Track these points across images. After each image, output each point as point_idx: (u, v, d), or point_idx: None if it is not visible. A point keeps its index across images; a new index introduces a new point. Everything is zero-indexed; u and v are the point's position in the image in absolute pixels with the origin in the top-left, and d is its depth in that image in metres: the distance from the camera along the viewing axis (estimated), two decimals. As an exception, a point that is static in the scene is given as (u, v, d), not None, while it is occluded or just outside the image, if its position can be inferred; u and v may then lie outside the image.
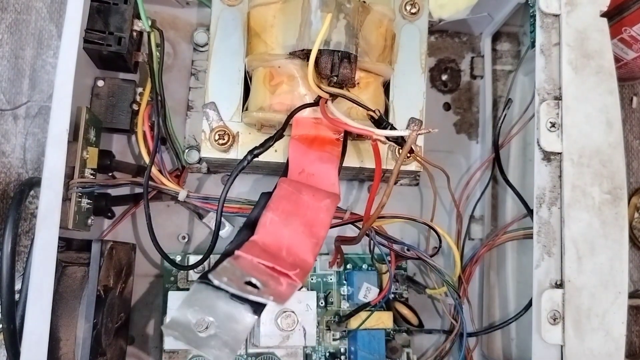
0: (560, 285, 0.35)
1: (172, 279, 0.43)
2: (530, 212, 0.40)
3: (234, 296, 0.26)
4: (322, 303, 0.44)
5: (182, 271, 0.43)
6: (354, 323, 0.43)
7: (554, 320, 0.35)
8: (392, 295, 0.46)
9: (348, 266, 0.46)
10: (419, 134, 0.32)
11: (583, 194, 0.36)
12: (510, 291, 0.45)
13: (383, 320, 0.43)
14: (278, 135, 0.35)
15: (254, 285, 0.27)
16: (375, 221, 0.37)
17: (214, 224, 0.43)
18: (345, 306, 0.45)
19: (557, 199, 0.36)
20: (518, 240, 0.43)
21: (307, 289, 0.44)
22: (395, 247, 0.41)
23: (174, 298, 0.38)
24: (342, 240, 0.40)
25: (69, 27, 0.36)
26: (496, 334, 0.46)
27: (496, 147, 0.44)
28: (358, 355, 0.43)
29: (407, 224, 0.47)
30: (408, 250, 0.41)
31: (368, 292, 0.44)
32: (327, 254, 0.45)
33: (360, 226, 0.38)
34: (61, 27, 0.36)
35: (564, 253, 0.35)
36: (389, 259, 0.42)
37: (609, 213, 0.36)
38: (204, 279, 0.27)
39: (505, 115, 0.44)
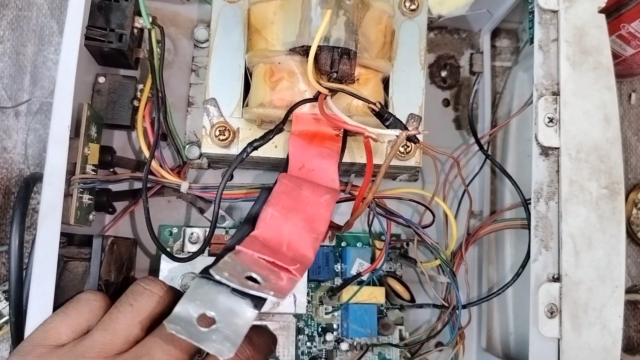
0: (557, 279, 0.35)
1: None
2: (525, 202, 0.40)
3: (234, 291, 0.27)
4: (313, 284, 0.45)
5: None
6: (345, 296, 0.43)
7: (551, 313, 0.35)
8: (385, 272, 0.46)
9: (342, 244, 0.46)
10: (409, 134, 0.33)
11: (581, 189, 0.36)
12: (507, 270, 0.46)
13: (375, 295, 0.44)
14: (278, 129, 0.35)
15: (255, 280, 0.27)
16: (377, 193, 0.37)
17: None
18: (338, 282, 0.45)
19: (555, 193, 0.36)
20: (516, 229, 0.43)
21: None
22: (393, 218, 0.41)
23: (167, 263, 0.39)
24: (332, 226, 0.40)
25: (70, 25, 0.36)
26: (494, 327, 0.46)
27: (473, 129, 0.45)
28: (350, 329, 0.43)
29: (407, 205, 0.48)
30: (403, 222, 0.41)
31: (361, 267, 0.44)
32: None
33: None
34: (62, 23, 0.36)
35: (562, 247, 0.36)
36: (386, 230, 0.41)
37: (606, 208, 0.36)
38: (205, 273, 0.27)
39: (477, 90, 0.46)
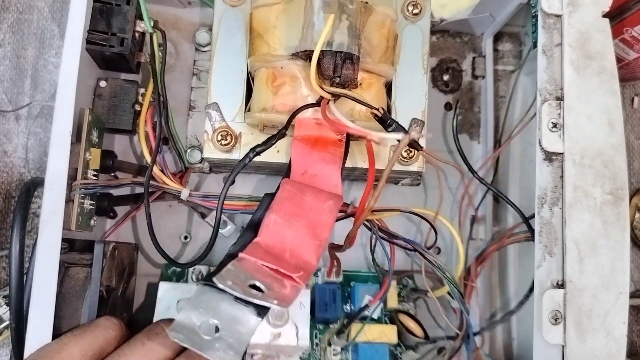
0: (561, 285, 0.35)
1: (173, 279, 0.43)
2: (525, 219, 0.40)
3: (238, 298, 0.27)
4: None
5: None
6: (354, 333, 0.41)
7: (555, 320, 0.35)
8: (394, 310, 0.44)
9: (351, 283, 0.44)
10: (412, 139, 0.32)
11: (585, 195, 0.36)
12: (511, 293, 0.46)
13: (387, 333, 0.41)
14: (280, 134, 0.35)
15: (258, 289, 0.27)
16: (375, 215, 0.37)
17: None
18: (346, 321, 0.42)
19: (559, 199, 0.36)
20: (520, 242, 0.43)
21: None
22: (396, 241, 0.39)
23: (164, 289, 0.36)
24: (333, 247, 0.39)
25: (71, 29, 0.36)
26: (497, 333, 0.46)
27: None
28: None
29: (409, 221, 0.47)
30: (408, 244, 0.39)
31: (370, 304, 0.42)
32: (320, 269, 0.45)
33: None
34: (63, 26, 0.36)
35: (566, 253, 0.35)
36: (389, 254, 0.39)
37: (610, 213, 0.36)
38: (208, 281, 0.27)
39: (458, 115, 0.44)
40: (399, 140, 0.32)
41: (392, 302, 0.44)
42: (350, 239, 0.36)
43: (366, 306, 0.41)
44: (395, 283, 0.44)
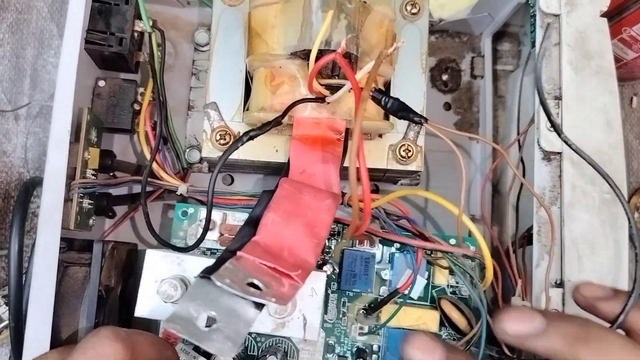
0: (560, 284, 0.35)
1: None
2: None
3: (236, 293, 0.26)
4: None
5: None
6: (385, 317, 0.35)
7: (554, 319, 0.35)
8: (444, 291, 0.38)
9: (392, 248, 0.38)
10: (387, 55, 0.31)
11: (583, 194, 0.36)
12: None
13: (425, 320, 0.36)
14: (276, 122, 0.34)
15: (257, 287, 0.27)
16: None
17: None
18: (385, 293, 0.37)
19: (557, 198, 0.36)
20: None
21: (332, 266, 0.36)
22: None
23: (153, 258, 0.33)
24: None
25: (70, 29, 0.36)
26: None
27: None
28: (387, 358, 0.35)
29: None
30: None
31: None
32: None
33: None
34: (62, 26, 0.36)
35: (564, 252, 0.35)
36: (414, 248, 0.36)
37: (608, 213, 0.36)
38: (206, 274, 0.27)
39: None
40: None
41: (441, 279, 0.37)
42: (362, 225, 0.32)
43: (396, 291, 0.36)
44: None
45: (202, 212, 0.37)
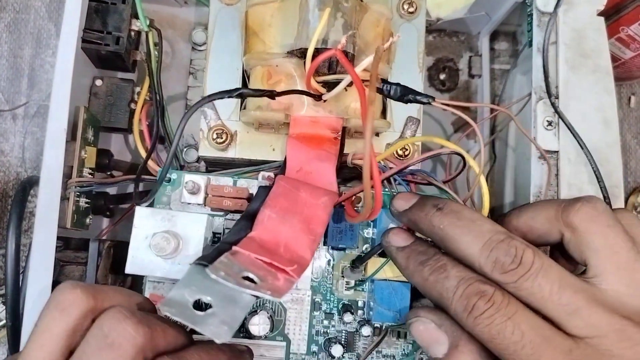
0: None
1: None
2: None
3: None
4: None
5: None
6: (371, 269, 0.36)
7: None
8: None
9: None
10: (384, 50, 0.31)
11: (580, 193, 0.36)
12: None
13: None
14: (270, 94, 0.33)
15: (252, 280, 0.27)
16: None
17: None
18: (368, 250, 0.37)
19: (554, 197, 0.36)
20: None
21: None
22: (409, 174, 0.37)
23: (143, 215, 0.32)
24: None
25: (67, 27, 0.36)
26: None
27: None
28: (375, 311, 0.35)
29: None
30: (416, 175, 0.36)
31: (395, 235, 0.34)
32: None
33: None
34: (59, 26, 0.36)
35: (562, 251, 0.35)
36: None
37: (605, 211, 0.36)
38: (200, 261, 0.27)
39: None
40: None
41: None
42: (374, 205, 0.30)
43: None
44: None
45: (186, 176, 0.36)
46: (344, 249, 0.37)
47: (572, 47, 0.38)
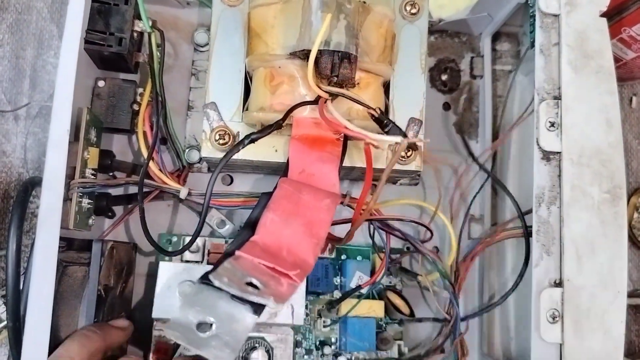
0: (559, 284, 0.35)
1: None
2: (522, 214, 0.40)
3: (234, 296, 0.27)
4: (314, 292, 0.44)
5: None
6: (344, 309, 0.42)
7: (553, 319, 0.35)
8: (384, 286, 0.46)
9: (342, 256, 0.45)
10: (410, 142, 0.32)
11: (582, 194, 0.36)
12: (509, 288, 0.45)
13: (375, 309, 0.43)
14: (277, 125, 0.35)
15: (255, 286, 0.27)
16: (376, 212, 0.37)
17: (214, 223, 0.44)
18: (337, 295, 0.44)
19: (557, 198, 0.36)
20: (517, 238, 0.43)
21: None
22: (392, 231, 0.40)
23: (165, 269, 0.38)
24: (332, 238, 0.40)
25: (69, 28, 0.36)
26: (495, 332, 0.46)
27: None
28: (348, 343, 0.42)
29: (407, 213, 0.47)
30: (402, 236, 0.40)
31: (361, 280, 0.44)
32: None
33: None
34: (62, 27, 0.36)
35: (564, 252, 0.35)
36: (386, 242, 0.41)
37: (608, 212, 0.36)
38: (205, 279, 0.27)
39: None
40: (398, 143, 0.32)
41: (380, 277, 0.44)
42: (349, 236, 0.37)
43: (359, 287, 0.42)
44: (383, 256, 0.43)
45: (187, 240, 0.41)
46: (318, 294, 0.44)
47: (575, 48, 0.38)
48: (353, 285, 0.44)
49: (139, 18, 0.39)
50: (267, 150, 0.38)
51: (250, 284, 0.27)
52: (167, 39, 0.43)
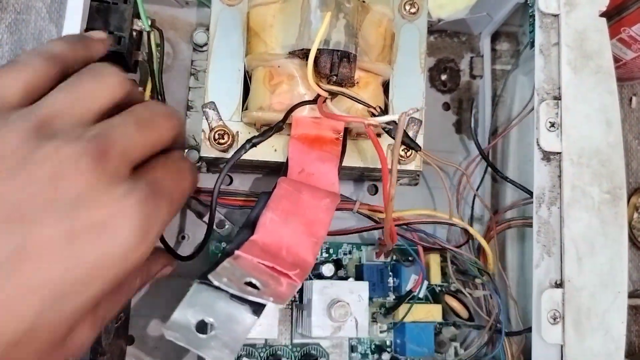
0: (560, 284, 0.35)
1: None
2: (530, 194, 0.39)
3: (234, 296, 0.26)
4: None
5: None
6: (401, 315, 0.42)
7: (554, 319, 0.35)
8: (439, 288, 0.45)
9: (394, 257, 0.45)
10: (409, 115, 0.32)
11: (582, 194, 0.36)
12: (512, 281, 0.45)
13: (432, 313, 0.43)
14: (277, 127, 0.35)
15: (254, 286, 0.27)
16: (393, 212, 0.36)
17: (214, 222, 0.43)
18: (391, 298, 0.44)
19: (557, 198, 0.36)
20: (518, 229, 0.43)
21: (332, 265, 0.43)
22: (420, 239, 0.41)
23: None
24: (382, 244, 0.40)
25: (68, 27, 0.36)
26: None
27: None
28: (407, 348, 0.42)
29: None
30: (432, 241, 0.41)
31: (414, 284, 0.43)
32: (373, 244, 0.45)
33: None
34: (61, 27, 0.36)
35: (564, 253, 0.35)
36: (416, 251, 0.41)
37: (608, 213, 0.36)
38: (204, 279, 0.27)
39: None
40: (396, 121, 0.32)
41: (436, 279, 0.44)
42: (391, 236, 0.36)
43: (410, 291, 0.42)
44: (437, 258, 0.44)
45: None
46: (372, 298, 0.43)
47: (575, 48, 0.38)
48: (408, 288, 0.43)
49: (138, 17, 0.39)
50: (266, 149, 0.38)
51: (250, 284, 0.27)
52: (166, 39, 0.43)
